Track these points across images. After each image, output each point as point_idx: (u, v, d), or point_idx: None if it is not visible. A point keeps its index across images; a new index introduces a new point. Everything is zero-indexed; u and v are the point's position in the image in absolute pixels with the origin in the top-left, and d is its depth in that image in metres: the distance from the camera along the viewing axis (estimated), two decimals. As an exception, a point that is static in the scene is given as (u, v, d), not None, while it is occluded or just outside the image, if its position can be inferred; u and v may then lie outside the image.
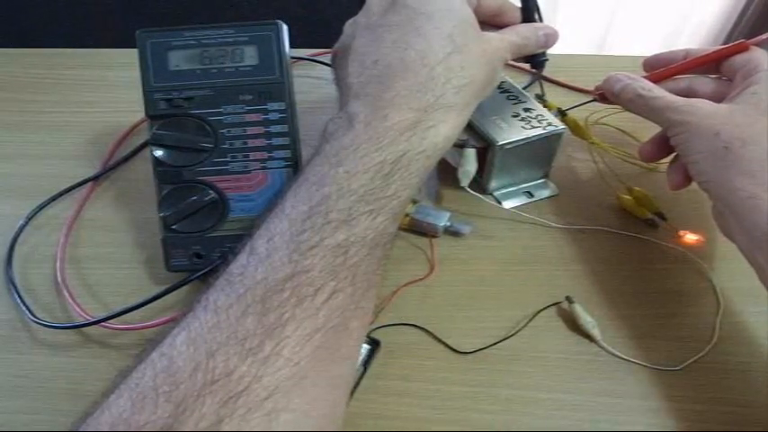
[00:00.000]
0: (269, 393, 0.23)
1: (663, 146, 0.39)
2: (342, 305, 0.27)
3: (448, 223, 0.41)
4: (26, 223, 0.43)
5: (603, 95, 0.42)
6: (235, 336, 0.24)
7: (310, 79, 0.55)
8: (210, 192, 0.37)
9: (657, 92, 0.38)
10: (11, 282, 0.39)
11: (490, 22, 0.39)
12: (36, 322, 0.36)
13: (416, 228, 0.42)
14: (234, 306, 0.25)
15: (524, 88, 0.48)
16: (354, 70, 0.33)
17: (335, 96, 0.35)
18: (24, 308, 0.37)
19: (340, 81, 0.35)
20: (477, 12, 0.36)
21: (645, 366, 0.35)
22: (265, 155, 0.37)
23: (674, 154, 0.40)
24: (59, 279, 0.39)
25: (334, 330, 0.26)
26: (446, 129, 0.32)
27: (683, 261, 0.40)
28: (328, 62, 0.53)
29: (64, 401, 0.34)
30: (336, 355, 0.27)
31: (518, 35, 0.38)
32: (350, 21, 0.36)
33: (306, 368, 0.25)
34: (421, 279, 0.39)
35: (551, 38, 0.40)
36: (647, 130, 0.42)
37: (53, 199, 0.45)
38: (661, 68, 0.41)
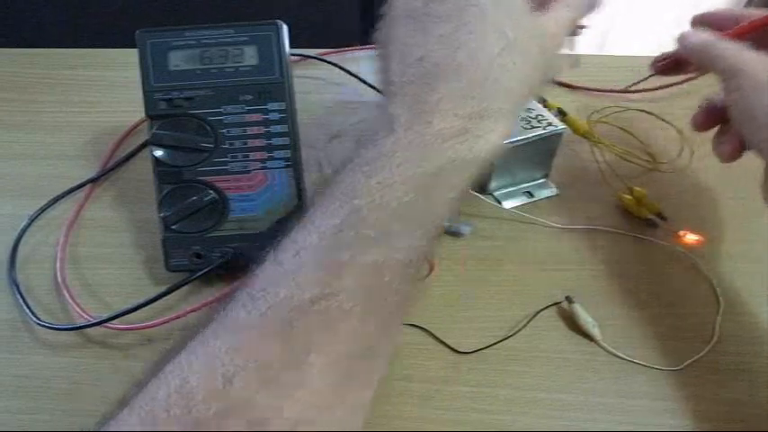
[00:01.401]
0: (290, 426, 0.22)
1: (714, 115, 0.37)
2: (370, 330, 0.25)
3: (448, 223, 0.41)
4: (29, 225, 0.43)
5: (664, 67, 0.40)
6: (254, 360, 0.22)
7: (310, 79, 0.55)
8: (210, 192, 0.37)
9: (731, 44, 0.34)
10: (14, 282, 0.39)
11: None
12: (39, 324, 0.36)
13: (416, 228, 0.42)
14: (255, 326, 0.23)
15: (524, 88, 0.48)
16: (396, 66, 0.29)
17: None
18: (27, 309, 0.37)
19: (381, 74, 0.31)
20: None
21: (645, 366, 0.35)
22: (265, 155, 0.37)
23: (718, 126, 0.38)
24: (60, 279, 0.39)
25: (361, 357, 0.24)
26: (495, 138, 0.28)
27: (683, 261, 0.40)
28: (331, 62, 0.54)
29: (64, 401, 0.34)
30: (361, 382, 0.25)
31: (569, 7, 0.34)
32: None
33: (329, 398, 0.23)
34: (421, 279, 0.39)
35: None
36: (648, 130, 0.42)
37: (55, 201, 0.45)
38: (730, 26, 0.37)
